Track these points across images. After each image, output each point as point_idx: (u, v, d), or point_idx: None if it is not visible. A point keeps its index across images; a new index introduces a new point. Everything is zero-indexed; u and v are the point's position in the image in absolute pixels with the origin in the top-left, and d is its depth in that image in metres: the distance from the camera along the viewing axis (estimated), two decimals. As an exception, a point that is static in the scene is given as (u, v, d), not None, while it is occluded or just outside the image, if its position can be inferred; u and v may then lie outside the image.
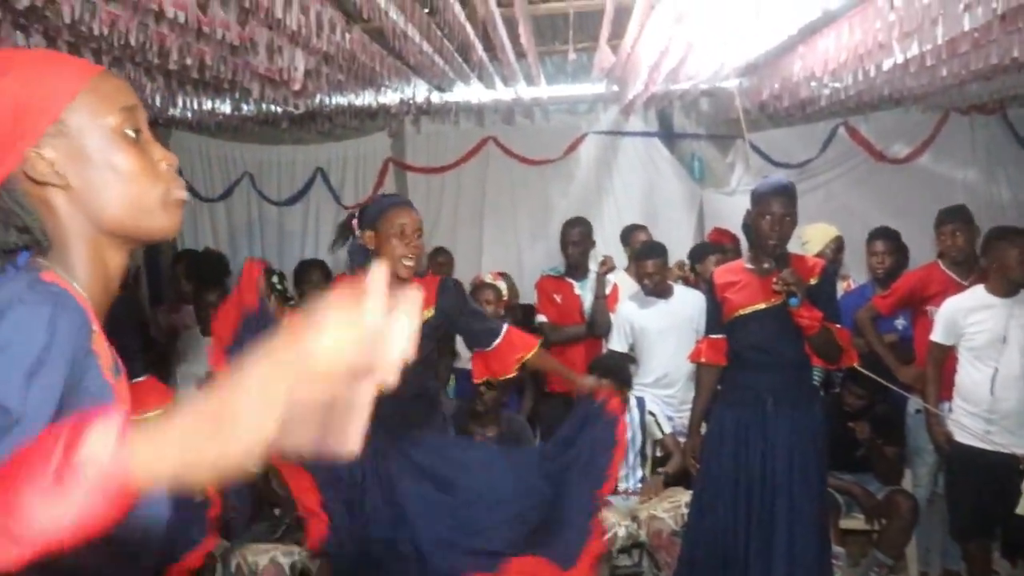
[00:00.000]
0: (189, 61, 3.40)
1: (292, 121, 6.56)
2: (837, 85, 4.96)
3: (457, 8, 3.57)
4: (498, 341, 3.13)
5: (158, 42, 3.16)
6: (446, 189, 7.05)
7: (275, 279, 4.67)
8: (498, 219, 7.01)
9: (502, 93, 6.15)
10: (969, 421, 3.86)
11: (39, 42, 3.27)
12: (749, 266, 3.49)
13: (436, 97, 6.07)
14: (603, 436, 3.02)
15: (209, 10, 2.87)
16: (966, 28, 3.27)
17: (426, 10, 3.78)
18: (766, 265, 3.38)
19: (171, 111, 5.92)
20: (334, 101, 5.74)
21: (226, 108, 5.89)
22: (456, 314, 3.11)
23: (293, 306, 5.09)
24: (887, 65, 4.03)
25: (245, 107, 5.97)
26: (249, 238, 7.14)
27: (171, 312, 5.32)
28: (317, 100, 5.51)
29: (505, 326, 3.23)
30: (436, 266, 5.83)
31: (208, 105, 5.70)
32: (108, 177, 1.03)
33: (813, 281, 3.37)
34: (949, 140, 6.35)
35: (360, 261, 2.96)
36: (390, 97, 5.92)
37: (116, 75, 1.12)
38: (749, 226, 3.53)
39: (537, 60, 4.97)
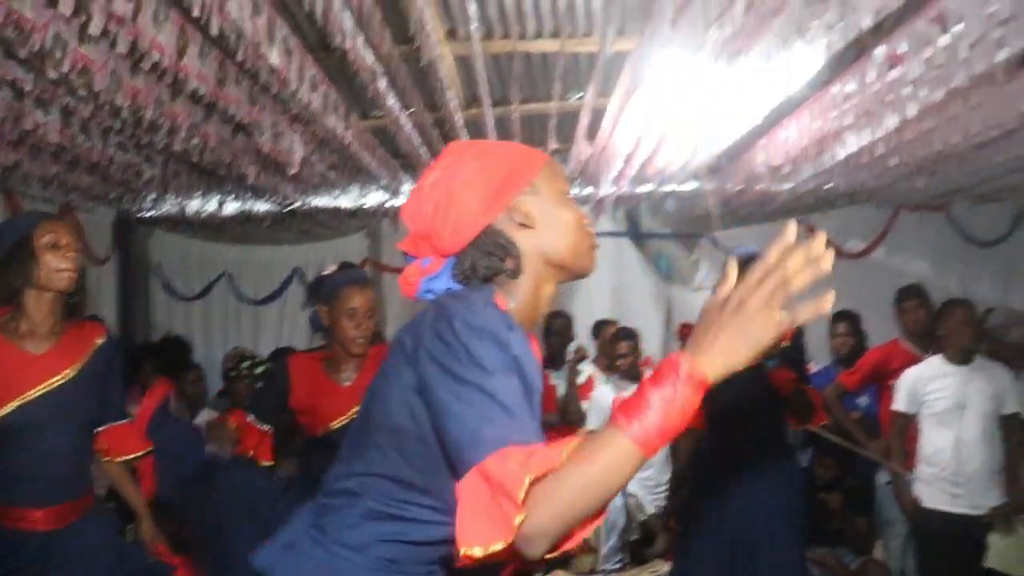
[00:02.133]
0: (196, 140, 3.60)
1: (273, 221, 6.77)
2: (794, 183, 5.32)
3: (454, 105, 3.84)
4: None
5: (170, 120, 3.37)
6: (423, 289, 7.21)
7: (244, 364, 4.81)
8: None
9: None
10: (935, 486, 4.01)
11: (55, 119, 3.48)
12: (723, 332, 3.67)
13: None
14: None
15: (225, 86, 3.08)
16: (908, 115, 3.60)
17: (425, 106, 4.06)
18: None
19: (157, 211, 6.15)
20: (315, 203, 6.01)
21: (212, 206, 6.11)
22: None
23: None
24: (842, 155, 4.36)
25: (229, 205, 6.20)
26: (224, 333, 7.21)
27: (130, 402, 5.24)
28: (301, 201, 5.76)
29: None
30: None
31: (195, 204, 5.92)
32: (559, 226, 1.41)
33: (785, 344, 3.56)
34: (900, 235, 6.75)
35: (317, 328, 3.02)
36: (371, 197, 6.20)
37: (557, 161, 1.57)
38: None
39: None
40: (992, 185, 5.74)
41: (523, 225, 1.38)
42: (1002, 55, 2.71)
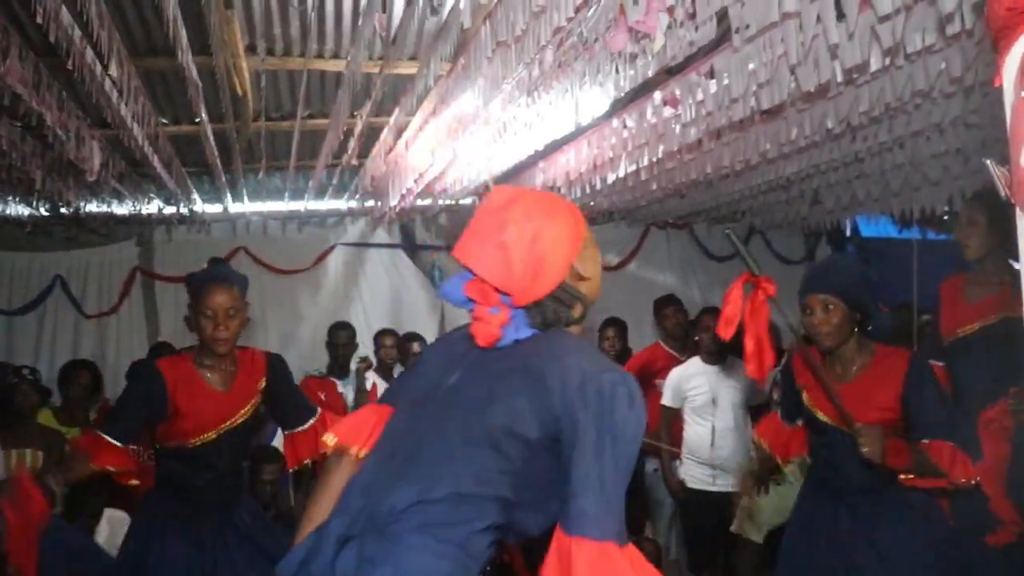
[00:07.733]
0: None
1: (35, 227, 6.36)
2: (570, 198, 5.82)
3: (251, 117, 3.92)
4: (313, 421, 3.10)
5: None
6: (196, 297, 7.06)
7: (26, 371, 4.61)
8: (248, 326, 7.09)
9: (255, 206, 6.57)
10: (697, 469, 4.63)
11: None
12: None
13: (186, 208, 6.27)
14: None
15: (40, 91, 3.02)
16: (674, 148, 4.16)
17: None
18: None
19: None
20: (88, 208, 5.77)
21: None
22: (281, 389, 3.07)
23: (53, 406, 4.96)
24: (611, 179, 4.89)
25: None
26: (-29, 349, 6.65)
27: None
28: (75, 206, 5.51)
29: (319, 408, 3.19)
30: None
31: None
32: (598, 275, 1.65)
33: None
34: (650, 250, 7.60)
35: (192, 327, 2.96)
36: (147, 206, 6.05)
37: None
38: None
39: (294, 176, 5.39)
40: (729, 208, 6.61)
41: (581, 277, 1.59)
42: (755, 106, 3.30)
